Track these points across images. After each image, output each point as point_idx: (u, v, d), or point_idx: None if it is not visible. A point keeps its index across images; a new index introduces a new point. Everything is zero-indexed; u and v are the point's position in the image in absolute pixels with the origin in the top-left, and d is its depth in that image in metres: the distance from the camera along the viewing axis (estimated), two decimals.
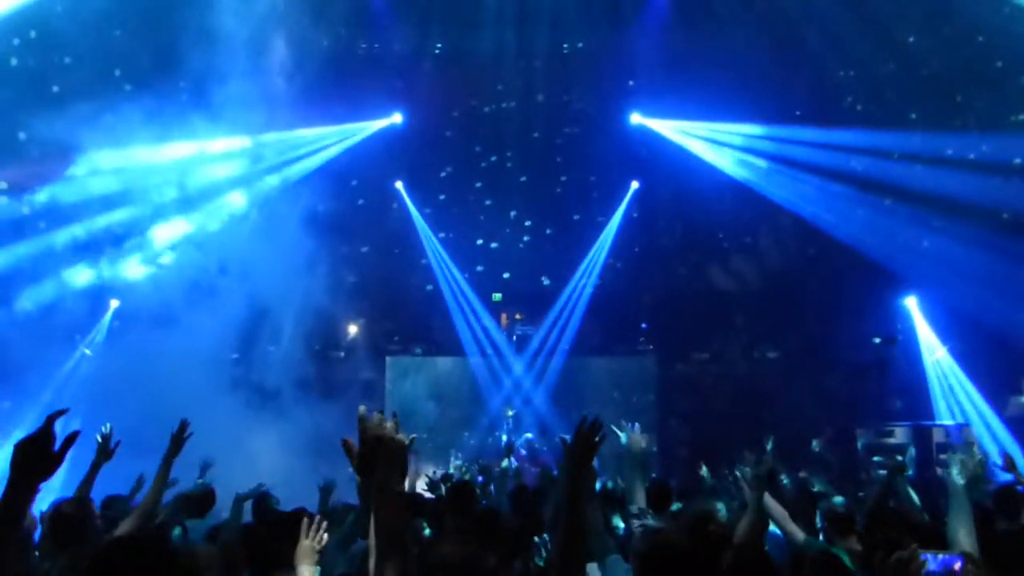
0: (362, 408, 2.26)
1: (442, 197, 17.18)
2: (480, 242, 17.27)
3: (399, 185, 17.01)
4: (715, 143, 16.22)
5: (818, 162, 15.12)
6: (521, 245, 17.32)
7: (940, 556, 3.38)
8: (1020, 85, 14.16)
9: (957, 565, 3.36)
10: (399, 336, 16.80)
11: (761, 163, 15.78)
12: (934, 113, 14.83)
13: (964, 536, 3.97)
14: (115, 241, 13.53)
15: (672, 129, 16.45)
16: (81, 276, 13.23)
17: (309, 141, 15.69)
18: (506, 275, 17.23)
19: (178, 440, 5.33)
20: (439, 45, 16.17)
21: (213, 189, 14.44)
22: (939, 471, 10.96)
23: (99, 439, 5.33)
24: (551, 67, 16.37)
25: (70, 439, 4.48)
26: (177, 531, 5.42)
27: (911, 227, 14.33)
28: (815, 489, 7.10)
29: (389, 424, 2.27)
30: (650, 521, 5.17)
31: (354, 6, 15.26)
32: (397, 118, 16.42)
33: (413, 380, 16.13)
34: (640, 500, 5.68)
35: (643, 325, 16.84)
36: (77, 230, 13.13)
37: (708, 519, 4.57)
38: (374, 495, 2.15)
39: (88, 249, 13.31)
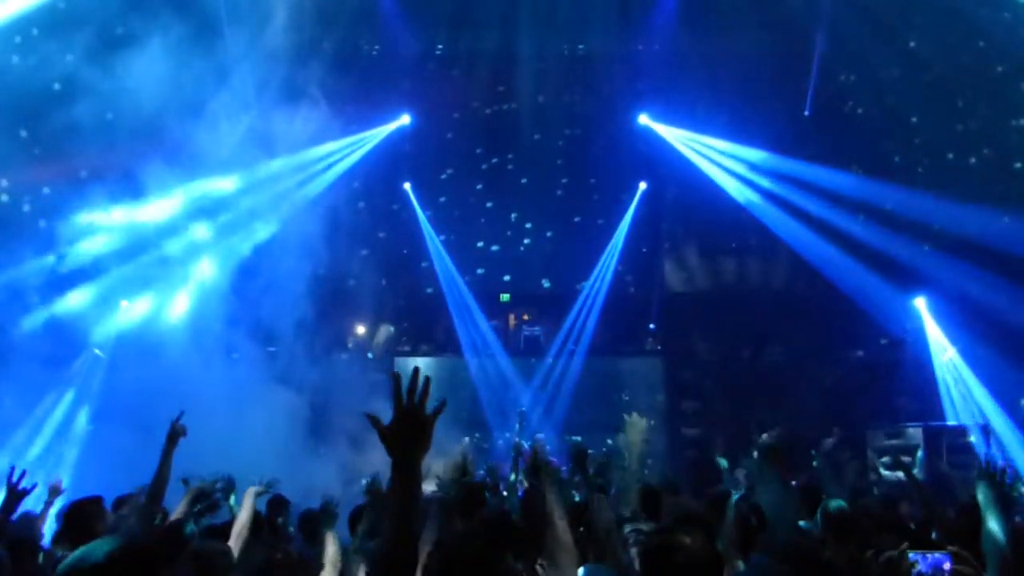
0: (396, 373, 2.23)
1: (442, 199, 16.95)
2: (480, 244, 17.06)
3: (407, 186, 16.71)
4: (719, 153, 15.92)
5: (821, 182, 14.89)
6: (522, 248, 17.10)
7: (930, 556, 3.47)
8: (1020, 90, 14.02)
9: (947, 565, 3.37)
10: (407, 337, 16.55)
11: (756, 198, 15.51)
12: (935, 117, 14.58)
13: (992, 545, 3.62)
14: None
15: (677, 138, 16.15)
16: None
17: (326, 155, 15.39)
18: (506, 277, 16.99)
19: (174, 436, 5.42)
20: (447, 47, 15.92)
21: (237, 220, 14.16)
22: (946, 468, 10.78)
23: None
24: (555, 69, 16.12)
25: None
26: (191, 527, 5.16)
27: (916, 228, 14.18)
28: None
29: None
30: (643, 525, 5.20)
31: (360, 10, 14.97)
32: (405, 119, 16.13)
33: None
34: (632, 501, 5.47)
35: (651, 326, 16.56)
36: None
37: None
38: (398, 469, 2.20)
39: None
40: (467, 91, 16.42)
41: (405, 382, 2.26)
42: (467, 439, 14.14)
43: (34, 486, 5.20)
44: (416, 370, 2.31)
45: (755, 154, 15.51)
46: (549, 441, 12.33)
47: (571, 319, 16.19)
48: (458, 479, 4.78)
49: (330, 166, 15.40)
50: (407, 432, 2.21)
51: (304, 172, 15.00)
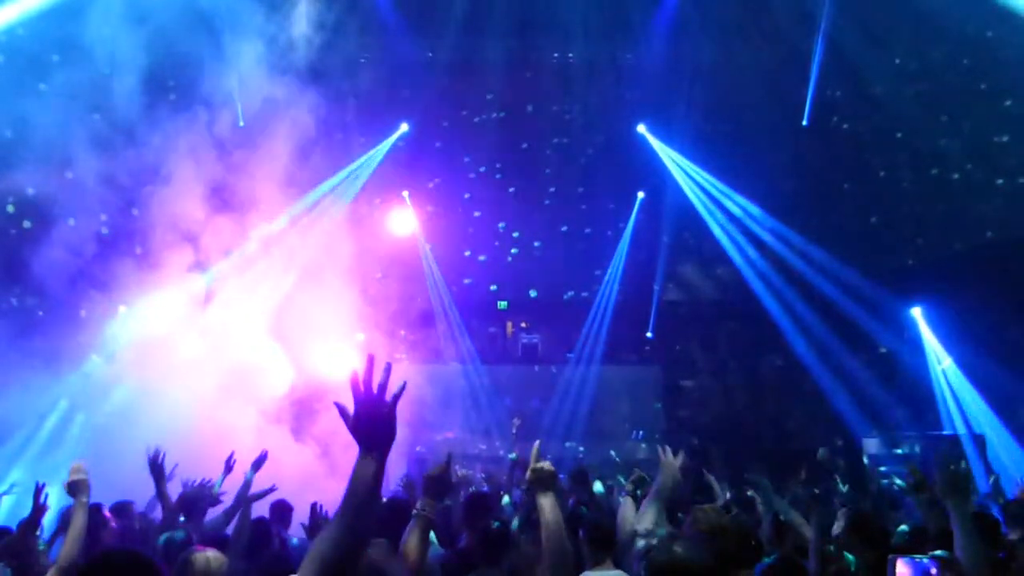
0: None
1: (435, 208, 16.44)
2: (467, 253, 16.64)
3: (405, 194, 16.14)
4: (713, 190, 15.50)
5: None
6: (509, 259, 16.71)
7: (917, 559, 3.40)
8: (1003, 106, 13.74)
9: (933, 570, 3.35)
10: (404, 345, 15.99)
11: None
12: (920, 133, 14.37)
13: (968, 553, 3.60)
14: None
15: (672, 159, 15.69)
16: None
17: (342, 182, 14.84)
18: (493, 287, 16.57)
19: (157, 468, 5.41)
20: (444, 55, 15.39)
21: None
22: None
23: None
24: (553, 76, 15.68)
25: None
26: (180, 533, 4.80)
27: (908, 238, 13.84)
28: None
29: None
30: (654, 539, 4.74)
31: (359, 18, 14.42)
32: (404, 127, 15.56)
33: (419, 389, 15.26)
34: (650, 520, 5.03)
35: (648, 335, 16.07)
36: None
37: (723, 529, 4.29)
38: (363, 458, 2.10)
39: None
40: (463, 98, 16.01)
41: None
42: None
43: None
44: (371, 358, 2.14)
45: (746, 204, 15.17)
46: (549, 450, 11.77)
47: (570, 327, 15.69)
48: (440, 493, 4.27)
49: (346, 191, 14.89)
50: (369, 422, 2.11)
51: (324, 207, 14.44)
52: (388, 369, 2.13)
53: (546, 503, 3.46)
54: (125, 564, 2.32)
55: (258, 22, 12.02)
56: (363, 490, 2.07)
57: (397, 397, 2.13)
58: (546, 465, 3.57)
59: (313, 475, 10.19)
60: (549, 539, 3.40)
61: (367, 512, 2.07)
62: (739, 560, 4.00)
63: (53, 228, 11.49)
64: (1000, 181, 14.16)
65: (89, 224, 11.95)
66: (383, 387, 2.11)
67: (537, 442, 3.70)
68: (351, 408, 2.13)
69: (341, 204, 14.57)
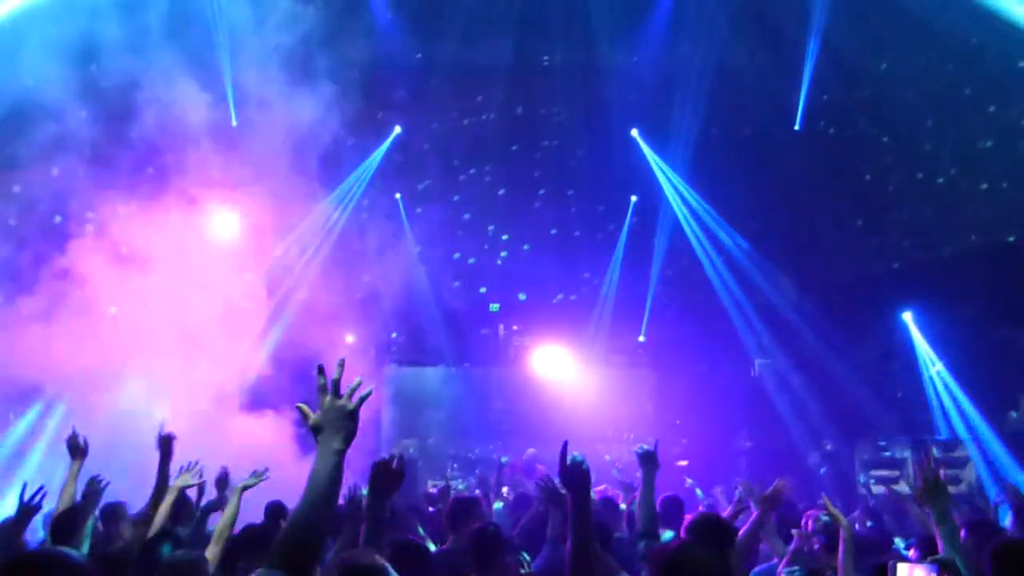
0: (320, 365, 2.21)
1: (424, 209, 16.12)
2: (457, 255, 16.40)
3: (397, 196, 15.90)
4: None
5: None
6: (498, 262, 16.57)
7: (919, 564, 3.43)
8: (987, 112, 13.68)
9: (933, 575, 3.34)
10: (397, 347, 15.74)
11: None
12: (905, 137, 14.33)
13: (953, 554, 3.56)
14: None
15: (660, 161, 15.52)
16: None
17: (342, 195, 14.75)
18: (482, 289, 16.44)
19: (166, 445, 5.10)
20: (433, 57, 15.12)
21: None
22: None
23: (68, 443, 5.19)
24: (539, 80, 15.43)
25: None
26: (167, 548, 4.46)
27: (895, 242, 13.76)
28: None
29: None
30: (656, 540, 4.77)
31: (347, 19, 14.14)
32: (397, 129, 15.30)
33: (412, 390, 15.03)
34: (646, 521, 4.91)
35: (641, 339, 15.88)
36: None
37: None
38: (321, 457, 2.15)
39: None
40: (454, 101, 15.67)
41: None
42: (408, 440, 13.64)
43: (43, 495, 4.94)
44: (342, 361, 2.23)
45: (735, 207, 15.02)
46: (547, 453, 11.48)
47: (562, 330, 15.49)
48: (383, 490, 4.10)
49: (347, 202, 14.82)
50: (332, 422, 2.16)
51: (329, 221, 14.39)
52: (341, 365, 2.21)
53: (578, 508, 3.05)
54: (45, 565, 2.17)
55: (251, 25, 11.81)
56: (322, 484, 2.11)
57: (361, 401, 2.18)
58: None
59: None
60: (578, 553, 2.99)
61: (325, 505, 2.11)
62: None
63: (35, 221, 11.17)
64: (984, 186, 14.17)
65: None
66: (336, 384, 2.17)
67: (565, 441, 3.23)
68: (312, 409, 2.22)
69: (343, 208, 14.44)
